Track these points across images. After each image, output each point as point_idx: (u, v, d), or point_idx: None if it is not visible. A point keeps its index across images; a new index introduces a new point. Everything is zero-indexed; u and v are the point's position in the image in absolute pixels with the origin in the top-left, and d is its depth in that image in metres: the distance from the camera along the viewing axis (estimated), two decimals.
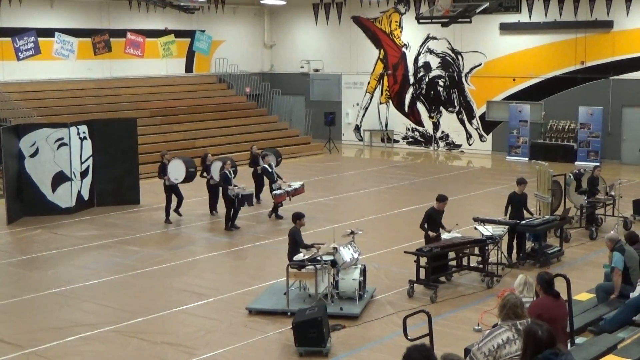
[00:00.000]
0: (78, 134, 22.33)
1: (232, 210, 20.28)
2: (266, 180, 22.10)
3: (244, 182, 21.49)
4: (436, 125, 35.30)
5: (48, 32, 30.48)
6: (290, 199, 21.39)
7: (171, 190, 21.13)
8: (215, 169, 20.98)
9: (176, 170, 20.99)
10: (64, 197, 22.06)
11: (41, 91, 31.07)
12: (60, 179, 21.95)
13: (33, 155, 21.71)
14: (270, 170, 21.61)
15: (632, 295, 12.21)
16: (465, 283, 15.49)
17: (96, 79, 33.03)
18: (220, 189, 20.67)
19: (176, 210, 21.36)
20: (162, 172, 21.07)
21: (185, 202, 21.58)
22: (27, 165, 21.67)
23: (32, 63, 30.38)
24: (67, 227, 20.87)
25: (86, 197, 22.74)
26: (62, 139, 21.91)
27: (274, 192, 21.05)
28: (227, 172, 20.24)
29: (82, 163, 22.48)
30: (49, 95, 31.14)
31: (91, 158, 22.78)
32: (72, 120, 23.80)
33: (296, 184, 21.70)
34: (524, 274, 10.34)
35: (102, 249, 18.68)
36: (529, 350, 6.49)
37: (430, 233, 15.52)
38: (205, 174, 21.43)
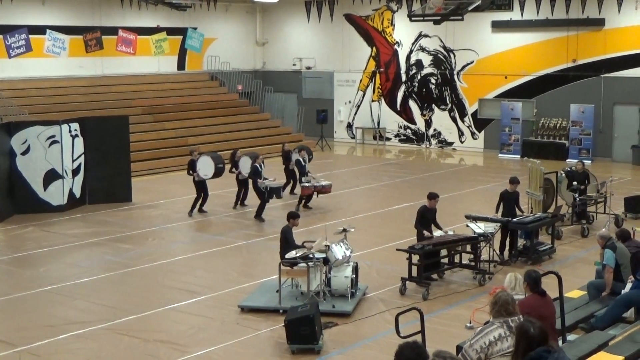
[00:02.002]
0: (70, 131, 22.29)
1: (262, 201, 20.97)
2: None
3: (272, 177, 22.12)
4: (428, 123, 35.33)
5: (39, 30, 30.38)
6: (317, 195, 22.21)
7: (200, 185, 21.66)
8: (244, 164, 21.70)
9: (205, 166, 21.58)
10: (55, 194, 22.02)
11: (33, 89, 30.97)
12: (51, 176, 21.91)
13: (24, 152, 21.66)
14: (303, 163, 22.58)
15: (623, 292, 12.25)
16: (457, 280, 15.52)
17: (88, 77, 32.96)
18: (251, 181, 21.36)
19: (201, 207, 21.81)
20: (192, 168, 21.59)
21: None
22: (18, 162, 21.62)
23: (23, 60, 30.27)
24: (58, 224, 20.83)
25: (78, 194, 22.70)
26: (53, 136, 21.86)
27: (303, 184, 21.96)
28: (257, 165, 21.17)
29: (73, 161, 22.44)
30: (41, 92, 31.05)
31: (83, 156, 22.74)
32: (63, 117, 23.73)
33: (324, 182, 22.40)
34: (512, 272, 10.31)
35: (94, 246, 18.65)
36: (521, 348, 6.48)
37: (426, 233, 15.52)
38: (234, 169, 22.10)
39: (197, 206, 21.75)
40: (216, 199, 23.53)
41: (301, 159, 22.70)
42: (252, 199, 21.89)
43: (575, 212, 19.54)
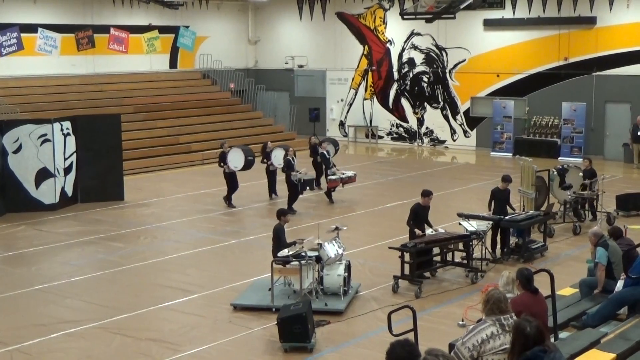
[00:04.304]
0: (61, 130, 22.24)
1: (294, 194, 21.50)
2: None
3: (304, 170, 22.71)
4: (420, 121, 35.35)
5: (31, 28, 30.27)
6: (343, 186, 22.91)
7: (230, 177, 22.17)
8: (276, 156, 22.39)
9: (236, 158, 22.16)
10: (47, 193, 21.97)
11: (24, 87, 30.88)
12: (43, 175, 21.86)
13: (16, 151, 21.61)
14: (327, 156, 23.18)
15: (615, 290, 12.27)
16: (450, 278, 15.54)
17: (80, 75, 32.87)
18: (284, 174, 21.87)
19: (228, 196, 22.37)
20: (222, 160, 22.11)
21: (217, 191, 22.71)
22: (10, 161, 21.57)
23: (15, 59, 30.17)
24: (50, 223, 20.78)
25: (70, 193, 22.65)
26: (45, 135, 21.81)
27: (329, 177, 22.68)
28: (290, 158, 21.83)
29: (65, 159, 22.39)
30: (32, 91, 30.96)
31: (75, 154, 22.68)
32: (55, 116, 23.71)
33: (349, 173, 23.11)
34: (508, 272, 10.31)
35: (86, 245, 18.61)
36: (517, 346, 6.45)
37: (417, 231, 15.52)
38: (265, 160, 22.74)
39: (229, 197, 22.30)
40: (209, 197, 23.55)
41: (325, 152, 23.33)
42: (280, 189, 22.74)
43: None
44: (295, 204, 21.39)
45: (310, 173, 22.98)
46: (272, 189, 23.16)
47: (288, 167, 21.64)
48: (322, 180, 23.74)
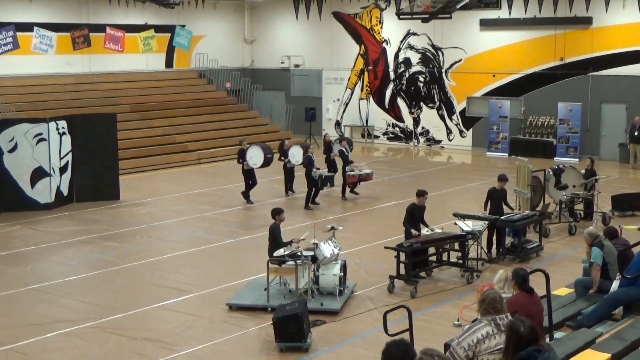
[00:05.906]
0: (57, 129, 22.20)
1: (314, 189, 22.11)
2: (339, 163, 23.88)
3: (324, 167, 23.40)
4: (416, 121, 35.36)
5: (27, 27, 30.20)
6: (360, 183, 23.23)
7: (248, 174, 22.56)
8: (293, 153, 22.85)
9: (254, 156, 22.49)
10: (43, 192, 21.93)
11: (20, 86, 30.83)
12: (39, 174, 21.82)
13: (12, 150, 21.57)
14: (346, 153, 23.65)
15: (611, 290, 12.28)
16: (445, 278, 15.55)
17: (75, 74, 32.84)
18: (304, 170, 22.31)
19: (245, 193, 22.71)
20: (242, 157, 22.48)
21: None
22: (5, 160, 21.53)
23: (10, 58, 30.11)
24: (46, 222, 20.75)
25: (65, 192, 22.62)
26: (41, 134, 21.78)
27: (348, 173, 23.05)
28: (310, 155, 22.31)
29: (61, 158, 22.36)
30: (28, 90, 30.91)
31: (70, 153, 22.65)
32: (51, 115, 23.68)
33: (367, 170, 23.58)
34: (504, 270, 10.38)
35: (82, 244, 18.59)
36: (511, 346, 6.45)
37: (413, 231, 15.52)
38: (282, 158, 23.04)
39: (247, 193, 22.62)
40: (205, 196, 23.54)
41: (344, 149, 23.64)
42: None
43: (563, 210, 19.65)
44: (295, 203, 21.42)
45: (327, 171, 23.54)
46: (289, 186, 23.57)
47: (309, 163, 22.07)
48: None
